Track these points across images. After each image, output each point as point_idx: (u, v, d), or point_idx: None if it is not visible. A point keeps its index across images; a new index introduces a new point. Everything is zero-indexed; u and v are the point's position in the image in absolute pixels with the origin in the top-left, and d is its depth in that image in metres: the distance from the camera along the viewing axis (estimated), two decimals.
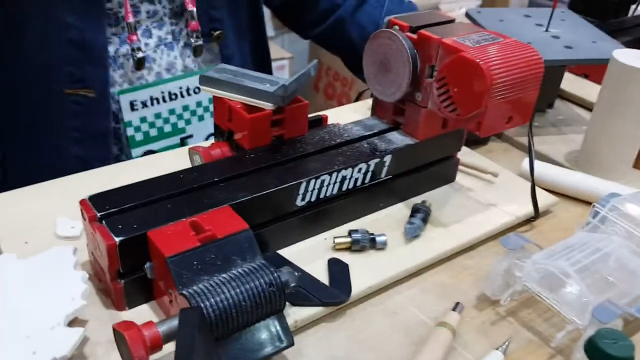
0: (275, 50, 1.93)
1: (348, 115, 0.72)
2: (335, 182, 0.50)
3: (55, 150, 0.69)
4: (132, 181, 0.46)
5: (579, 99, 0.77)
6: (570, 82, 0.79)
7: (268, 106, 0.50)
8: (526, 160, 0.62)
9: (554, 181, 0.60)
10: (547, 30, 0.70)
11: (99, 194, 0.44)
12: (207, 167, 0.48)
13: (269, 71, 0.91)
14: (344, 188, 0.51)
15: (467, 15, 0.75)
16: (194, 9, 0.70)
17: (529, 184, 0.59)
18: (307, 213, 0.50)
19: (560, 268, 0.42)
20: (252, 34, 0.84)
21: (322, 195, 0.50)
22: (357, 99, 0.76)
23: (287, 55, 1.92)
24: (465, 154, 0.60)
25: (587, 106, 0.77)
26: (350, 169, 0.50)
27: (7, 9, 0.63)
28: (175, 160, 0.57)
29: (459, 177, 0.60)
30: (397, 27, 0.52)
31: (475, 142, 0.68)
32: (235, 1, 0.77)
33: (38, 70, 0.66)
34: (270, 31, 0.90)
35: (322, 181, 0.49)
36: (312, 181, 0.48)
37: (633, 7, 0.84)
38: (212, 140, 0.55)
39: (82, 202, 0.43)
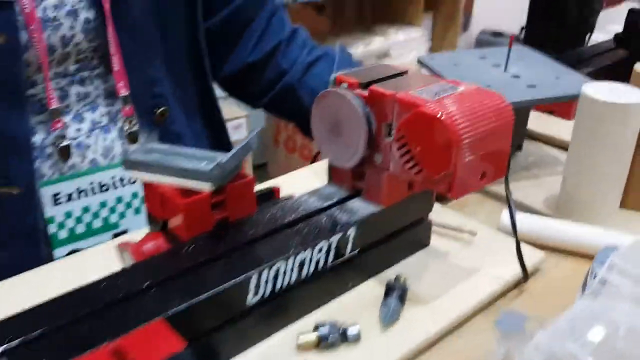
0: (230, 109, 1.88)
1: (305, 181, 0.65)
2: (292, 269, 0.43)
3: None
4: (52, 290, 0.38)
5: (548, 138, 0.73)
6: (537, 121, 0.75)
7: (205, 187, 0.43)
8: (505, 213, 0.56)
9: (539, 234, 0.54)
10: (506, 71, 0.66)
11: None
12: (135, 270, 0.40)
13: (226, 144, 0.84)
14: (304, 274, 0.44)
15: (419, 62, 0.70)
16: (127, 93, 0.63)
17: (511, 240, 0.53)
18: (263, 309, 0.42)
19: (573, 355, 0.35)
20: (202, 110, 0.78)
21: (278, 287, 0.42)
22: (314, 159, 0.70)
23: (243, 114, 1.87)
24: (436, 212, 0.54)
25: (558, 144, 0.72)
26: (309, 251, 0.43)
27: None
28: (104, 261, 0.49)
29: (434, 239, 0.53)
30: (345, 84, 0.46)
31: (445, 197, 0.62)
32: (180, 75, 0.71)
33: None
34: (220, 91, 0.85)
35: (277, 270, 0.42)
36: (265, 272, 0.41)
37: (589, 36, 0.81)
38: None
39: None
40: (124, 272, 0.40)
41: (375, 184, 0.47)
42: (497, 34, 2.69)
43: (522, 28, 2.77)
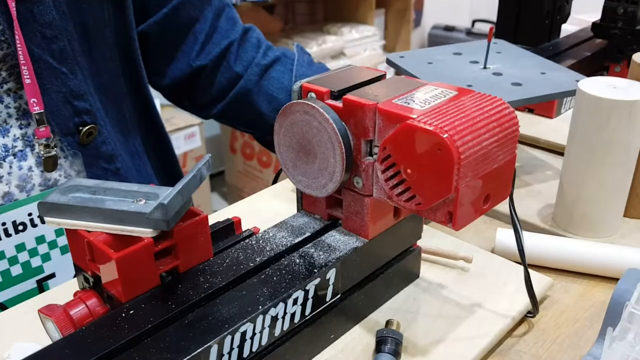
0: (182, 117, 1.77)
1: (267, 206, 0.57)
2: (263, 329, 0.34)
3: None
4: None
5: (531, 139, 0.67)
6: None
7: (146, 233, 0.34)
8: (500, 233, 0.49)
9: (542, 255, 0.47)
10: (485, 67, 0.59)
11: None
12: (58, 350, 0.31)
13: (173, 162, 0.74)
14: (277, 332, 0.35)
15: (389, 62, 0.63)
16: (42, 111, 0.52)
17: (510, 264, 0.46)
18: None
19: None
20: (140, 125, 0.68)
21: (246, 354, 0.34)
22: (275, 179, 0.62)
23: (196, 121, 1.76)
24: (424, 235, 0.46)
25: (543, 146, 0.66)
26: (281, 304, 0.35)
27: None
28: (32, 319, 0.39)
29: (424, 269, 0.46)
30: (312, 94, 0.38)
31: None
32: (110, 87, 0.61)
33: None
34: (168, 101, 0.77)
35: (244, 333, 0.33)
36: (228, 338, 0.32)
37: (564, 26, 0.76)
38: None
39: None
40: (44, 354, 0.31)
41: (356, 213, 0.39)
42: (449, 28, 2.68)
43: (474, 21, 2.76)
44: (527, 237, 0.48)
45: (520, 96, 0.52)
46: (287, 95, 0.69)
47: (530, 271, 0.43)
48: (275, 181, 0.61)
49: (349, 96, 0.36)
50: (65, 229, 0.36)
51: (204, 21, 0.69)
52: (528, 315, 0.42)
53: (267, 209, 0.56)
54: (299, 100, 0.37)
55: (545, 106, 0.70)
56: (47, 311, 0.35)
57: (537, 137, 0.66)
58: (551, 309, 0.44)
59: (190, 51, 0.69)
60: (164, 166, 0.73)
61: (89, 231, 0.35)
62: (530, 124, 0.69)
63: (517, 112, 0.73)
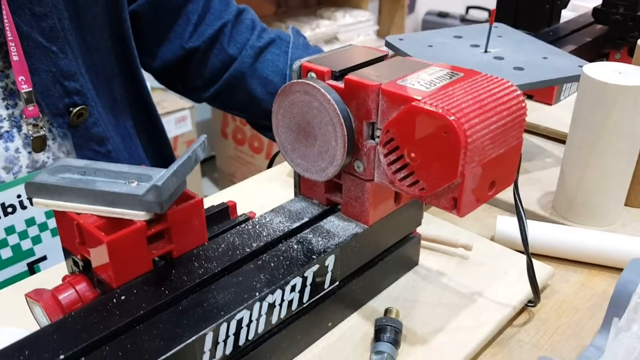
0: (173, 101, 1.75)
1: (262, 190, 0.56)
2: (259, 316, 0.33)
3: None
4: None
5: (532, 126, 0.66)
6: None
7: (138, 216, 0.32)
8: (501, 221, 0.48)
9: (543, 243, 0.46)
10: (486, 51, 0.58)
11: None
12: (46, 336, 0.30)
13: (164, 145, 0.72)
14: (274, 320, 0.34)
15: (388, 44, 0.61)
16: (30, 89, 0.51)
17: (510, 253, 0.46)
18: None
19: None
20: (132, 107, 0.66)
21: (242, 342, 0.33)
22: (270, 162, 0.60)
23: (187, 105, 1.74)
24: (422, 222, 0.45)
25: (543, 133, 0.65)
26: (279, 291, 0.34)
27: None
28: (19, 302, 0.38)
29: (423, 256, 0.45)
30: (313, 74, 0.36)
31: None
32: (100, 68, 0.59)
33: None
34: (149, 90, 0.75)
35: (239, 321, 0.32)
36: (224, 326, 0.31)
37: (565, 12, 0.75)
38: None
39: None
40: (32, 340, 0.29)
41: (356, 198, 0.38)
42: (443, 15, 2.66)
43: (468, 7, 2.73)
44: (529, 224, 0.47)
45: (523, 81, 0.51)
46: (282, 79, 0.68)
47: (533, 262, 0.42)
48: (270, 165, 0.60)
49: (351, 76, 0.35)
50: (54, 211, 0.34)
51: (196, 2, 0.67)
52: (529, 304, 0.41)
53: (262, 194, 0.55)
54: (299, 80, 0.35)
55: (544, 93, 0.69)
56: (34, 296, 0.33)
57: (536, 124, 0.65)
58: (552, 298, 0.43)
59: (182, 32, 0.67)
60: (156, 149, 0.71)
61: (78, 213, 0.33)
62: (529, 111, 0.68)
63: None
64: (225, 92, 0.70)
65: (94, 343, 0.29)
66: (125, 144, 0.63)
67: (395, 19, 2.39)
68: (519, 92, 0.34)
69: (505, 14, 0.75)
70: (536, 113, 0.68)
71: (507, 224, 0.47)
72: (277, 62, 0.67)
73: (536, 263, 0.43)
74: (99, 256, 0.32)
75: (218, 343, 0.31)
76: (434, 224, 0.49)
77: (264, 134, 0.76)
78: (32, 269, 0.52)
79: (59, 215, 0.34)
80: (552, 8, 0.72)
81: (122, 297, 0.32)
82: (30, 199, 0.39)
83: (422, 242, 0.45)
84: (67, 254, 0.36)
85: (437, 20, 2.71)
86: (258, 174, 0.59)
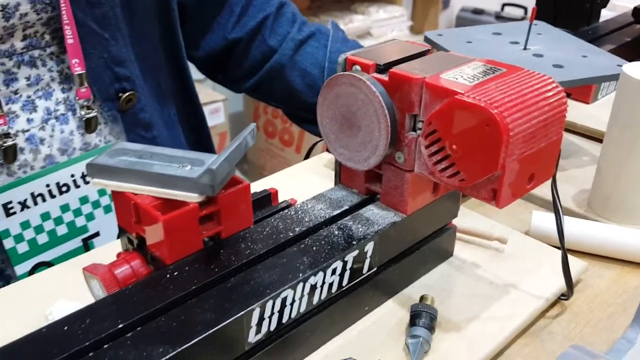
0: (206, 93, 1.78)
1: (300, 180, 0.58)
2: (302, 296, 0.35)
3: None
4: (10, 323, 0.29)
5: (569, 124, 0.66)
6: None
7: (192, 198, 0.34)
8: (536, 215, 0.49)
9: (577, 239, 0.47)
10: (526, 49, 0.58)
11: None
12: (106, 306, 0.32)
13: (204, 134, 0.75)
14: (315, 300, 0.36)
15: (427, 40, 0.62)
16: (83, 72, 0.53)
17: (544, 247, 0.46)
18: (267, 348, 0.34)
19: None
20: (177, 96, 0.68)
21: (285, 319, 0.34)
22: (308, 154, 0.62)
23: (220, 97, 1.77)
24: (458, 215, 0.46)
25: (579, 131, 0.65)
26: (320, 273, 0.35)
27: None
28: (75, 276, 0.40)
29: (458, 248, 0.46)
30: (358, 67, 0.38)
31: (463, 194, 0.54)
32: (149, 56, 0.62)
33: None
34: (198, 73, 0.77)
35: (284, 299, 0.34)
36: (270, 303, 0.33)
37: (604, 11, 0.74)
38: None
39: None
40: (91, 309, 0.32)
41: (395, 188, 0.39)
42: (478, 11, 2.64)
43: (503, 5, 2.69)
44: (565, 221, 0.47)
45: (562, 78, 0.51)
46: (320, 71, 0.69)
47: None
48: (307, 156, 0.61)
49: (396, 70, 0.36)
50: (112, 191, 0.37)
51: None
52: (561, 297, 0.42)
53: (300, 183, 0.57)
54: (345, 73, 0.37)
55: (582, 91, 0.69)
56: (92, 270, 0.36)
57: (574, 122, 0.66)
58: (585, 292, 0.44)
59: (226, 23, 0.69)
60: (197, 138, 0.74)
61: (135, 194, 0.36)
62: (569, 109, 0.68)
63: None
64: (265, 83, 0.72)
65: (150, 314, 0.31)
66: (169, 132, 0.66)
67: (429, 15, 2.38)
68: (559, 88, 0.35)
69: (544, 12, 0.75)
70: (573, 111, 0.68)
71: (542, 219, 0.48)
72: (316, 55, 0.69)
73: (570, 258, 0.44)
74: (154, 234, 0.35)
75: (264, 319, 0.33)
76: (469, 217, 0.50)
77: (300, 125, 0.77)
78: (87, 245, 0.55)
79: (116, 195, 0.37)
80: (591, 7, 0.72)
81: (175, 273, 0.34)
82: (84, 179, 0.41)
83: (458, 234, 0.46)
84: (122, 232, 0.38)
85: (471, 16, 2.69)
86: (296, 164, 0.60)
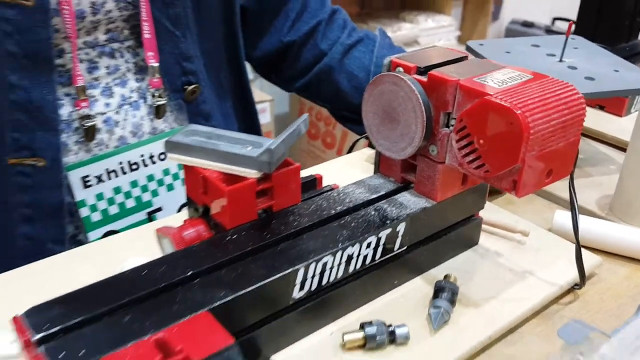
0: (254, 93, 1.85)
1: (343, 171, 0.63)
2: (340, 263, 0.40)
3: (1, 231, 0.58)
4: (91, 273, 0.36)
5: (599, 134, 0.69)
6: (587, 116, 0.71)
7: (251, 174, 0.40)
8: (558, 214, 0.53)
9: (595, 237, 0.51)
10: (561, 61, 0.62)
11: (37, 307, 0.34)
12: (178, 257, 0.38)
13: (256, 127, 0.82)
14: (351, 269, 0.41)
15: (468, 48, 0.67)
16: (156, 65, 0.61)
17: (564, 242, 0.50)
18: (308, 305, 0.40)
19: None
20: (234, 92, 0.75)
21: (324, 281, 0.40)
22: (351, 149, 0.67)
23: (267, 98, 1.85)
24: (485, 210, 0.51)
25: (609, 142, 0.69)
26: (357, 245, 0.41)
27: None
28: (141, 242, 0.47)
29: (483, 238, 0.51)
30: (401, 69, 0.43)
31: (492, 192, 0.59)
32: (212, 54, 0.69)
33: None
34: (248, 74, 0.84)
35: (324, 264, 0.39)
36: (312, 265, 0.39)
37: None
38: (185, 212, 0.46)
39: (15, 320, 0.33)
40: (166, 259, 0.38)
41: (428, 178, 0.44)
42: (528, 24, 2.63)
43: (554, 19, 2.67)
44: (583, 220, 0.51)
45: (592, 90, 0.55)
46: (366, 74, 0.75)
47: (581, 249, 0.47)
48: (350, 150, 0.67)
49: (434, 72, 0.41)
50: (184, 165, 0.43)
51: (296, 0, 0.75)
52: (575, 287, 0.46)
53: (342, 173, 0.62)
54: (389, 73, 0.42)
55: (616, 104, 0.73)
56: (164, 231, 0.42)
57: (604, 133, 0.69)
58: (598, 284, 0.48)
59: (281, 27, 0.76)
60: (249, 131, 0.80)
61: (203, 169, 0.42)
62: (599, 120, 0.72)
63: (588, 108, 0.75)
64: (314, 84, 0.78)
65: (213, 266, 0.37)
66: (225, 123, 0.72)
67: (478, 26, 2.39)
68: (579, 95, 0.39)
69: (586, 27, 0.78)
70: (606, 123, 0.71)
71: (564, 217, 0.52)
72: (363, 59, 0.75)
73: (586, 252, 0.48)
74: (218, 203, 0.41)
75: (306, 279, 0.39)
76: (498, 213, 0.54)
77: (344, 124, 0.83)
78: (150, 218, 0.62)
79: (188, 169, 0.43)
80: (631, 24, 0.75)
81: (234, 236, 0.40)
82: (150, 159, 0.47)
83: (484, 226, 0.51)
84: (190, 202, 0.44)
85: (520, 29, 2.68)
86: (340, 157, 0.66)
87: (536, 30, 2.55)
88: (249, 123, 0.80)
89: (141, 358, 0.30)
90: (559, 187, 0.56)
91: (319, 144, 2.05)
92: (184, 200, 0.65)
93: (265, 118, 1.92)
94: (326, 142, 2.03)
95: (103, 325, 0.33)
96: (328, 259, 0.39)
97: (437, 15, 2.13)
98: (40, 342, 0.32)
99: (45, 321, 0.32)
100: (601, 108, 0.75)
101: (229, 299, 0.35)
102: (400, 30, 2.01)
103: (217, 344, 0.31)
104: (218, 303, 0.34)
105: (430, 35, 2.09)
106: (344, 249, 0.40)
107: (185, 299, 0.34)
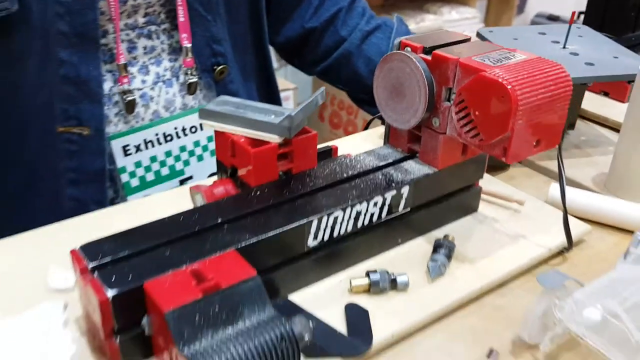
0: (279, 81, 1.91)
1: (358, 145, 0.69)
2: (349, 219, 0.46)
3: (50, 193, 0.65)
4: (130, 225, 0.42)
5: (601, 119, 0.73)
6: (591, 101, 0.75)
7: (273, 139, 0.46)
8: (554, 186, 0.57)
9: (586, 208, 0.55)
10: (564, 47, 0.67)
11: (91, 243, 0.40)
12: (209, 208, 0.44)
13: None
14: (359, 224, 0.47)
15: (479, 35, 0.71)
16: (189, 45, 0.67)
17: (558, 212, 0.55)
18: (320, 254, 0.45)
19: (608, 308, 0.37)
20: (258, 74, 0.81)
21: (335, 234, 0.46)
22: (366, 127, 0.73)
23: (291, 86, 1.90)
24: (486, 182, 0.56)
25: (610, 125, 0.73)
26: (365, 204, 0.46)
27: (9, 41, 0.60)
28: (175, 201, 0.53)
29: (482, 206, 0.56)
30: (408, 48, 0.48)
31: (495, 168, 0.64)
32: (239, 37, 0.75)
33: (33, 109, 0.63)
34: (273, 62, 0.89)
35: (335, 218, 0.45)
36: (325, 218, 0.44)
37: None
38: (213, 179, 0.52)
39: (72, 252, 0.39)
40: (198, 209, 0.44)
41: (431, 147, 0.50)
42: (554, 18, 2.63)
43: (580, 13, 2.68)
44: (577, 192, 0.56)
45: (589, 74, 0.60)
46: None
47: (571, 218, 0.51)
48: (366, 128, 0.72)
49: (438, 51, 0.46)
50: (215, 131, 0.49)
51: None
52: (564, 250, 0.51)
53: (357, 146, 0.67)
54: (398, 52, 0.47)
55: (619, 91, 0.76)
56: (197, 187, 0.48)
57: (607, 117, 0.73)
58: (586, 250, 0.52)
59: (304, 14, 0.81)
60: None
61: (232, 134, 0.48)
62: (602, 105, 0.76)
63: (592, 94, 0.79)
64: (334, 68, 0.84)
65: (239, 216, 0.43)
66: None
67: (503, 18, 2.40)
68: (566, 74, 0.44)
69: (594, 17, 0.82)
70: (609, 108, 0.75)
71: (559, 190, 0.56)
72: (381, 45, 0.80)
73: (576, 220, 0.53)
74: (244, 164, 0.47)
75: (319, 230, 0.44)
76: (498, 185, 0.59)
77: (361, 105, 0.88)
78: (182, 185, 0.68)
79: (218, 134, 0.49)
80: (637, 15, 0.78)
81: (258, 193, 0.46)
82: (183, 131, 0.53)
83: (483, 196, 0.56)
84: (219, 165, 0.50)
85: (545, 22, 2.69)
86: (355, 133, 0.71)
87: (561, 24, 2.55)
88: (272, 104, 0.86)
89: (179, 282, 0.36)
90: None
91: (341, 133, 2.11)
92: (211, 170, 0.71)
93: (289, 106, 1.98)
94: (347, 131, 2.08)
95: (147, 258, 0.39)
96: (339, 213, 0.45)
97: (461, 7, 2.15)
98: (94, 269, 0.38)
99: (98, 253, 0.39)
100: (605, 94, 0.78)
101: (252, 241, 0.41)
102: (423, 22, 2.04)
103: (243, 274, 0.37)
104: (243, 244, 0.40)
105: (454, 27, 2.11)
106: (352, 206, 0.45)
107: (215, 239, 0.40)
